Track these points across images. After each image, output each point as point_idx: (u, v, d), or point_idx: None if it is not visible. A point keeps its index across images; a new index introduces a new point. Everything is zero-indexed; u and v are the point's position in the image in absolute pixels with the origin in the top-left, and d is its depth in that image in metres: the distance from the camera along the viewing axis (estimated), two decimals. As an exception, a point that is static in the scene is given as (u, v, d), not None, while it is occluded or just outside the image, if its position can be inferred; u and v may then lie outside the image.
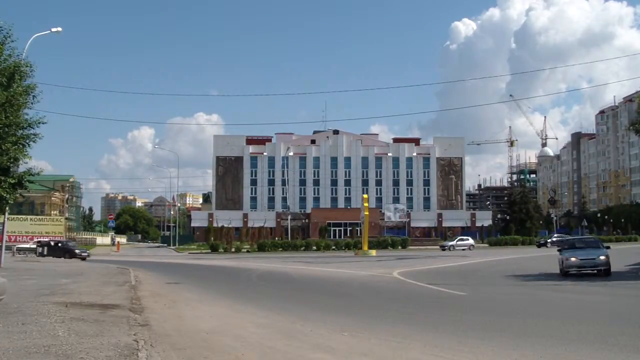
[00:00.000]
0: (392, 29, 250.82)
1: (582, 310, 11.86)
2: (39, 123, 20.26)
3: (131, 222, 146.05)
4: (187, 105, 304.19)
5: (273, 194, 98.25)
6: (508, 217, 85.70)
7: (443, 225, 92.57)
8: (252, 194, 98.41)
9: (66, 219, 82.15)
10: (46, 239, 48.21)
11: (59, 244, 43.32)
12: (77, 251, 42.04)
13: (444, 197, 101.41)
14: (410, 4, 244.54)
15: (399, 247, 60.19)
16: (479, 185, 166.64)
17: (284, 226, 79.45)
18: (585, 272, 19.85)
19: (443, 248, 57.16)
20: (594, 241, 22.52)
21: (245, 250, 57.65)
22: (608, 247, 21.17)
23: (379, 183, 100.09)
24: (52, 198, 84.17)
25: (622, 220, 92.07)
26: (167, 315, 11.08)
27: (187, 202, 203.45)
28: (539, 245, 62.29)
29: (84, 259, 39.97)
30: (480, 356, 7.24)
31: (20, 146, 19.84)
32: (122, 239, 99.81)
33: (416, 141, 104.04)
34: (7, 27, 19.47)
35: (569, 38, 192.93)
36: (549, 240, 63.28)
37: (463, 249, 55.02)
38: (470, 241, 59.26)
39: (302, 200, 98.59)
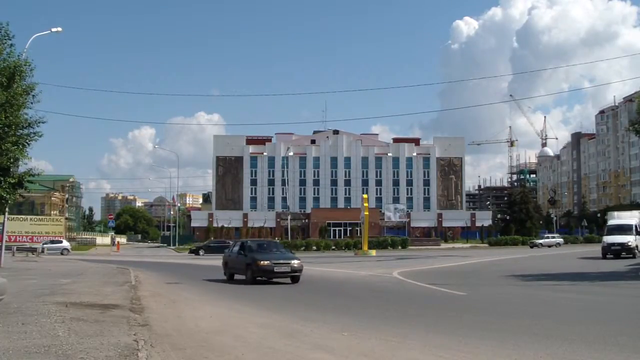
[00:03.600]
0: (393, 28, 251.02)
1: (582, 310, 11.86)
2: (39, 123, 20.30)
3: (131, 222, 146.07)
4: (188, 104, 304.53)
5: (273, 194, 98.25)
6: (508, 217, 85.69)
7: (443, 225, 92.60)
8: (252, 194, 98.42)
9: (66, 219, 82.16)
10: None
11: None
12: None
13: (444, 197, 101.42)
14: (411, 3, 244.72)
15: (399, 247, 60.18)
16: (479, 186, 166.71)
17: (284, 226, 79.45)
18: None
19: None
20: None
21: (245, 250, 57.48)
22: None
23: (379, 183, 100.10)
24: (52, 198, 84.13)
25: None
26: (167, 315, 11.08)
27: (187, 202, 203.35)
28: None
29: None
30: (480, 356, 7.24)
31: (20, 146, 19.87)
32: (122, 239, 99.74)
33: (416, 141, 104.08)
34: (4, 26, 19.49)
35: (571, 37, 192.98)
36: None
37: None
38: None
39: (302, 200, 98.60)
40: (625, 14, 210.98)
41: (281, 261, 18.32)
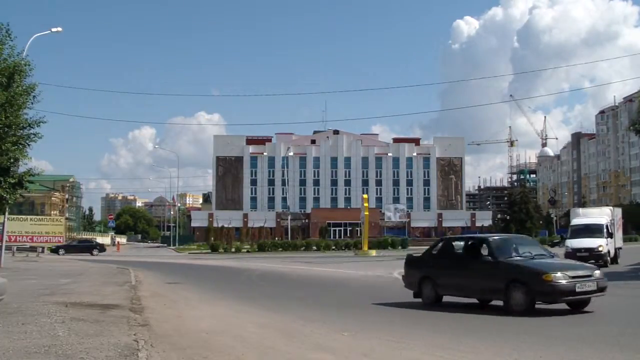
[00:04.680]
0: (393, 28, 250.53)
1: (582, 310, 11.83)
2: (39, 123, 20.28)
3: (131, 222, 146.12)
4: (188, 104, 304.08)
5: (273, 194, 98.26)
6: (508, 217, 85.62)
7: (443, 225, 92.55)
8: (252, 194, 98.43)
9: (66, 219, 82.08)
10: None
11: None
12: None
13: (444, 197, 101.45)
14: (411, 3, 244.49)
15: (399, 247, 60.11)
16: (479, 186, 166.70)
17: (284, 226, 79.48)
18: None
19: None
20: None
21: (245, 250, 57.60)
22: None
23: (379, 183, 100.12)
24: (52, 198, 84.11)
25: (622, 220, 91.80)
26: (167, 315, 11.07)
27: (187, 202, 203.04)
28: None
29: None
30: (480, 356, 7.24)
31: (21, 146, 19.88)
32: (122, 239, 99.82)
33: (416, 141, 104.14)
34: (5, 26, 19.50)
35: (572, 37, 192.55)
36: None
37: None
38: None
39: (302, 200, 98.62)
40: (627, 14, 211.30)
41: (580, 273, 10.62)
